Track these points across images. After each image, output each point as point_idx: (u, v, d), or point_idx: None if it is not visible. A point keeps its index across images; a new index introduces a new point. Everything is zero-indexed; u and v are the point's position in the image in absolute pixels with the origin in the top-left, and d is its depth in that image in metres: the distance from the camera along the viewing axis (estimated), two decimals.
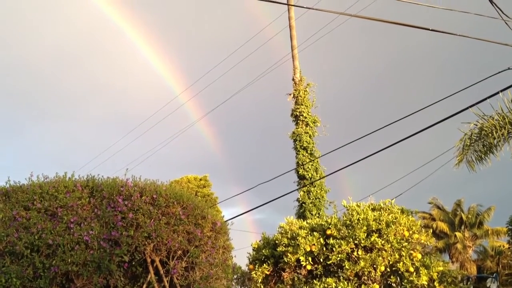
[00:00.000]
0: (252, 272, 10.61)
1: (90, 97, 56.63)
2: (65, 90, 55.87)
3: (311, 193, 20.44)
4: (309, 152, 21.16)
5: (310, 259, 9.96)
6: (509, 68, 10.70)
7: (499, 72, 10.67)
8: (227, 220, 12.34)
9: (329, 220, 10.42)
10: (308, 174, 20.66)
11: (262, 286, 10.42)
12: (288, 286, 10.25)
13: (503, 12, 10.38)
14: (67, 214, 9.26)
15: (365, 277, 9.55)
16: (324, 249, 9.90)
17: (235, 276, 18.81)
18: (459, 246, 39.88)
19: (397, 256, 9.66)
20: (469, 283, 16.81)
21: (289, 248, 10.14)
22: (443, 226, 40.99)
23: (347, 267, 9.52)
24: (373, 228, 9.81)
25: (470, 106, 11.33)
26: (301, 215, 20.13)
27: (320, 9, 11.01)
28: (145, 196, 9.76)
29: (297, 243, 9.98)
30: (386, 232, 9.79)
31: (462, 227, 41.42)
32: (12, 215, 9.11)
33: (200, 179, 38.98)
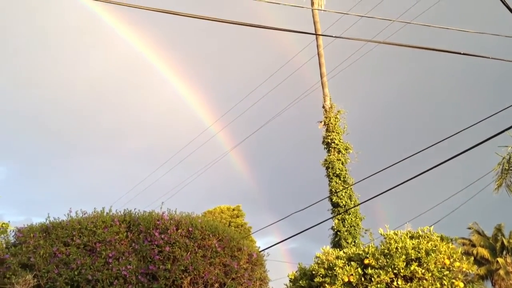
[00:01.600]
0: None
1: (123, 131, 57.73)
2: (99, 125, 57.15)
3: (345, 221, 20.18)
4: (342, 179, 20.99)
5: None
6: None
7: None
8: (262, 251, 12.27)
9: (366, 249, 10.24)
10: (342, 202, 20.44)
11: None
12: None
13: None
14: (106, 249, 9.37)
15: None
16: (363, 279, 9.72)
17: None
18: (501, 272, 38.52)
19: (438, 286, 9.41)
20: None
21: (327, 279, 9.98)
22: (484, 252, 39.72)
23: None
24: (413, 257, 9.59)
25: (507, 129, 11.10)
26: (336, 244, 19.86)
27: (347, 37, 11.09)
28: (181, 229, 9.82)
29: (335, 273, 9.83)
30: (426, 260, 9.56)
31: (504, 253, 40.07)
32: (52, 251, 9.28)
33: (233, 209, 38.94)
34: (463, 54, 10.05)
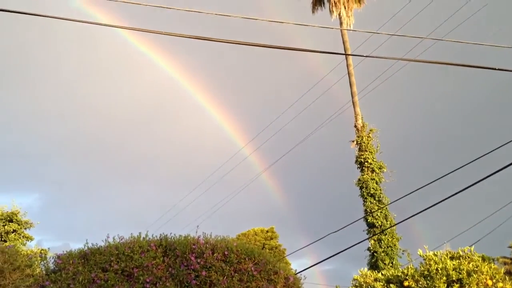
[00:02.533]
0: None
1: (157, 156, 58.44)
2: (134, 150, 58.03)
3: (382, 241, 19.85)
4: (377, 199, 20.72)
5: None
6: None
7: None
8: (298, 273, 12.13)
9: (405, 271, 10.05)
10: (377, 222, 20.14)
11: None
12: None
13: None
14: (143, 274, 9.42)
15: None
16: None
17: None
18: None
19: None
20: None
21: None
22: None
23: None
24: (454, 278, 9.36)
25: None
26: (373, 265, 19.52)
27: (376, 56, 11.04)
28: (216, 253, 9.80)
29: None
30: (467, 281, 9.31)
31: None
32: (91, 277, 9.38)
33: (267, 231, 38.79)
34: (498, 69, 9.90)
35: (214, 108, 38.04)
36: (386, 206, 20.48)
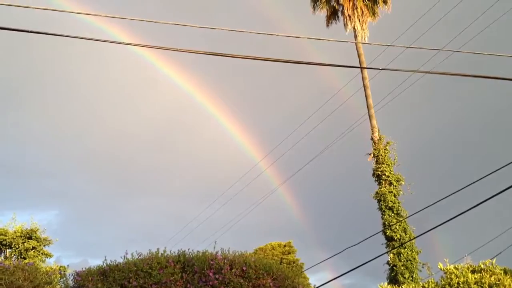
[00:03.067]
0: None
1: (173, 171, 58.72)
2: (151, 165, 58.39)
3: (401, 255, 19.59)
4: (395, 212, 20.51)
5: None
6: None
7: None
8: None
9: (426, 285, 9.93)
10: (396, 235, 19.91)
11: None
12: None
13: None
14: None
15: None
16: None
17: None
18: None
19: None
20: None
21: None
22: None
23: None
24: None
25: None
26: (393, 279, 19.26)
27: (392, 69, 11.02)
28: (235, 268, 9.79)
29: None
30: None
31: None
32: None
33: (284, 246, 38.58)
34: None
35: (231, 122, 38.19)
36: (405, 219, 20.26)
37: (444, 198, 13.30)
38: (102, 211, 64.34)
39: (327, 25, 25.19)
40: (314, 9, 25.17)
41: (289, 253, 38.15)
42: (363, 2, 24.16)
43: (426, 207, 14.16)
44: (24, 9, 7.84)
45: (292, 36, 8.89)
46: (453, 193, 13.05)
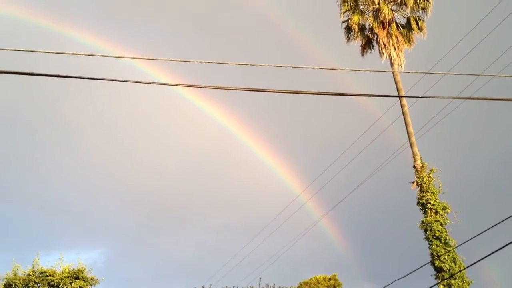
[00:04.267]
0: None
1: (212, 205, 58.92)
2: (189, 200, 58.79)
3: (452, 286, 18.91)
4: (443, 241, 19.90)
5: None
6: None
7: None
8: None
9: None
10: (445, 266, 19.26)
11: None
12: None
13: None
14: None
15: None
16: None
17: None
18: None
19: None
20: None
21: None
22: None
23: None
24: None
25: None
26: None
27: (431, 96, 10.87)
28: None
29: None
30: None
31: None
32: None
33: (330, 279, 37.77)
34: None
35: (269, 155, 38.26)
36: (454, 249, 19.62)
37: (494, 226, 12.85)
38: (144, 247, 64.82)
39: (362, 54, 25.18)
40: (348, 39, 25.24)
41: (334, 286, 37.30)
42: (398, 30, 24.12)
43: (476, 236, 13.71)
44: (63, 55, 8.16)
45: (329, 69, 8.91)
46: (505, 219, 12.61)
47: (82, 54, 7.77)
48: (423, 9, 24.08)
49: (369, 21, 24.57)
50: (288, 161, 40.12)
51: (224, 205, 58.21)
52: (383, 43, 23.97)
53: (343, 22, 25.25)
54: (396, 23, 24.29)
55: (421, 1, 23.95)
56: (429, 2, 23.96)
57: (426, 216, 20.55)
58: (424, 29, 24.17)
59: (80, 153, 55.48)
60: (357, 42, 25.14)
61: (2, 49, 8.39)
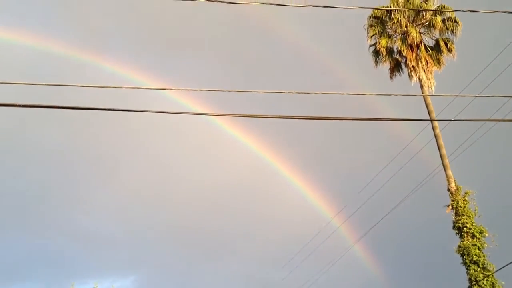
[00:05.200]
0: None
1: (246, 234, 58.75)
2: (223, 230, 58.69)
3: None
4: (481, 266, 19.38)
5: None
6: None
7: None
8: None
9: None
10: None
11: None
12: None
13: None
14: None
15: None
16: None
17: None
18: None
19: None
20: None
21: None
22: None
23: None
24: None
25: None
26: None
27: (463, 119, 10.76)
28: None
29: None
30: None
31: None
32: None
33: None
34: None
35: (302, 181, 38.18)
36: (493, 274, 19.07)
37: None
38: (178, 278, 64.83)
39: (391, 77, 25.10)
40: (376, 63, 25.23)
41: None
42: (427, 52, 24.02)
43: None
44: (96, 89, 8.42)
45: (359, 94, 8.95)
46: None
47: (117, 87, 8.02)
48: (452, 30, 23.97)
49: (397, 44, 24.55)
50: (320, 187, 39.91)
51: (257, 234, 57.96)
52: (412, 66, 23.87)
53: (370, 46, 25.27)
54: (424, 45, 24.22)
55: (450, 23, 23.87)
56: (458, 24, 23.85)
57: (462, 240, 20.09)
58: (453, 50, 24.02)
59: (118, 183, 56.36)
60: (385, 66, 25.11)
61: (38, 84, 8.72)
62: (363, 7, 8.91)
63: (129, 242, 61.24)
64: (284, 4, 8.09)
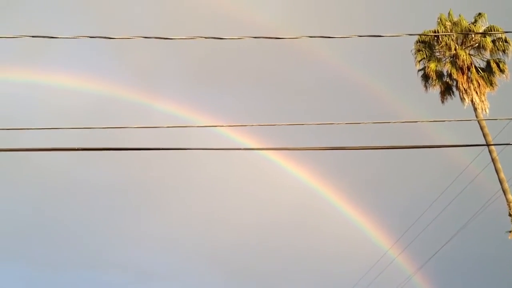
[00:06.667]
0: None
1: (296, 266, 57.95)
2: (273, 262, 58.14)
3: None
4: None
5: None
6: None
7: None
8: None
9: None
10: None
11: None
12: None
13: None
14: None
15: None
16: None
17: None
18: None
19: None
20: None
21: None
22: None
23: None
24: None
25: None
26: None
27: None
28: None
29: None
30: None
31: None
32: None
33: None
34: None
35: (355, 211, 37.56)
36: None
37: None
38: None
39: (442, 101, 24.61)
40: (426, 87, 24.84)
41: None
42: (478, 74, 23.46)
43: None
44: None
45: (411, 122, 8.80)
46: None
47: (170, 127, 8.22)
48: (503, 51, 23.39)
49: (446, 68, 24.13)
50: (374, 217, 39.08)
51: (308, 267, 57.05)
52: (464, 89, 23.35)
53: (419, 70, 24.95)
54: (475, 67, 23.70)
55: (500, 43, 23.33)
56: (509, 44, 23.27)
57: None
58: (506, 71, 23.39)
59: (169, 216, 57.13)
60: (435, 90, 24.68)
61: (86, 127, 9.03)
62: (410, 34, 8.83)
63: (179, 274, 61.49)
64: (333, 36, 8.14)
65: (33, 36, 8.19)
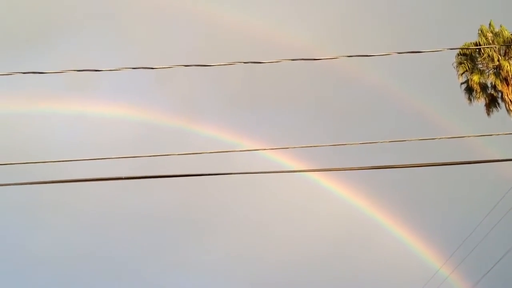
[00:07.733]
0: None
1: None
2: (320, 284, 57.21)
3: None
4: None
5: None
6: None
7: None
8: None
9: None
10: None
11: None
12: None
13: None
14: None
15: None
16: None
17: None
18: None
19: None
20: None
21: None
22: None
23: None
24: None
25: None
26: None
27: None
28: None
29: None
30: None
31: None
32: None
33: None
34: None
35: (403, 231, 36.78)
36: None
37: None
38: None
39: (488, 114, 24.11)
40: (470, 100, 24.40)
41: None
42: None
43: None
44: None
45: (456, 137, 8.61)
46: None
47: (212, 152, 8.31)
48: None
49: (490, 79, 23.70)
50: (425, 236, 38.11)
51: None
52: (510, 100, 22.83)
53: (462, 83, 24.59)
54: None
55: None
56: None
57: None
58: None
59: (214, 243, 57.28)
60: (480, 102, 24.19)
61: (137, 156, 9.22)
62: (451, 48, 8.72)
63: None
64: (372, 54, 8.10)
65: (78, 70, 8.48)
